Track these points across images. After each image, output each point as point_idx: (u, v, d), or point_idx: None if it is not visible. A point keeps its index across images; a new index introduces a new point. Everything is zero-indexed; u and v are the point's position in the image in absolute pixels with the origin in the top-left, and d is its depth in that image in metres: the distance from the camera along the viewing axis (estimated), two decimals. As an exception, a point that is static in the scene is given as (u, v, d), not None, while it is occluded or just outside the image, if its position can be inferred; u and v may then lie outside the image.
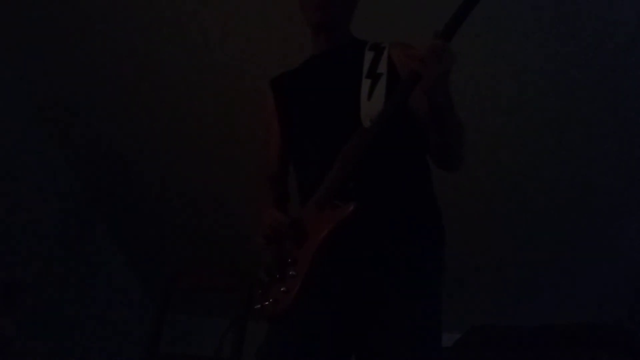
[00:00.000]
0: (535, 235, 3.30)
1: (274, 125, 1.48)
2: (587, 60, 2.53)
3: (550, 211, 3.17)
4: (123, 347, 3.60)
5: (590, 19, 2.37)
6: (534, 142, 2.89)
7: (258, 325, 1.45)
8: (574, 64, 2.56)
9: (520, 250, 3.38)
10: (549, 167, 2.98)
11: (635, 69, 2.54)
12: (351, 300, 1.21)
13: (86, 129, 3.11)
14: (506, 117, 2.79)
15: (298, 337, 1.19)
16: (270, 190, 1.49)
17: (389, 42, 1.38)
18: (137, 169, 3.30)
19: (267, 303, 1.16)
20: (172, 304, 2.49)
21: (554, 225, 3.24)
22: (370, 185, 1.22)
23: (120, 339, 3.63)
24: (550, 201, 3.13)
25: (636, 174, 2.94)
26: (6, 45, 2.70)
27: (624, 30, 2.40)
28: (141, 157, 3.23)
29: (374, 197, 1.21)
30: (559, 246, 3.33)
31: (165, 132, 3.07)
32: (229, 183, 3.24)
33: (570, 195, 3.08)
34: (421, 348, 1.15)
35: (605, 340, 2.08)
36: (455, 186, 2.70)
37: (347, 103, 1.27)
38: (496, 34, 2.43)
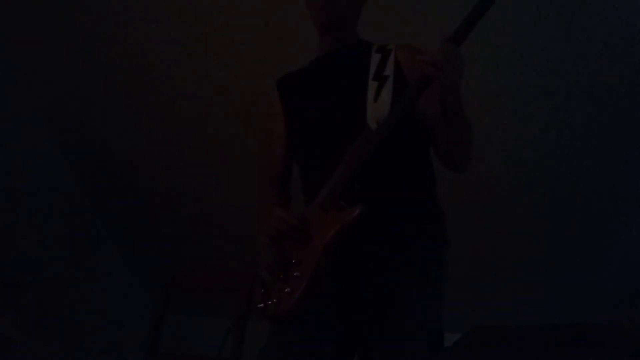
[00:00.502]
0: (536, 236, 3.30)
1: (278, 125, 1.47)
2: (584, 57, 2.54)
3: (550, 212, 3.17)
4: (123, 347, 3.60)
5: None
6: (534, 143, 2.90)
7: (258, 325, 1.46)
8: (571, 61, 2.56)
9: (521, 250, 3.38)
10: (549, 168, 2.98)
11: (633, 69, 2.54)
12: (353, 300, 1.21)
13: (87, 130, 3.11)
14: (506, 118, 2.79)
15: (300, 338, 1.19)
16: (272, 191, 1.49)
17: (394, 43, 1.38)
18: (137, 169, 3.30)
19: (269, 302, 1.16)
20: (172, 304, 2.49)
21: (554, 226, 3.24)
22: (375, 187, 1.22)
23: (120, 339, 3.63)
24: (551, 202, 3.13)
25: (636, 174, 2.94)
26: (9, 46, 2.70)
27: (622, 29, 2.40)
28: (141, 158, 3.23)
29: (379, 199, 1.21)
30: (558, 246, 3.33)
31: (165, 132, 3.07)
32: (229, 183, 3.24)
33: (571, 196, 3.08)
34: (423, 349, 1.15)
35: (604, 340, 2.08)
36: (455, 187, 2.70)
37: (353, 104, 1.27)
38: (496, 29, 2.43)
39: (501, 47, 2.51)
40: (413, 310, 1.17)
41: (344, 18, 1.42)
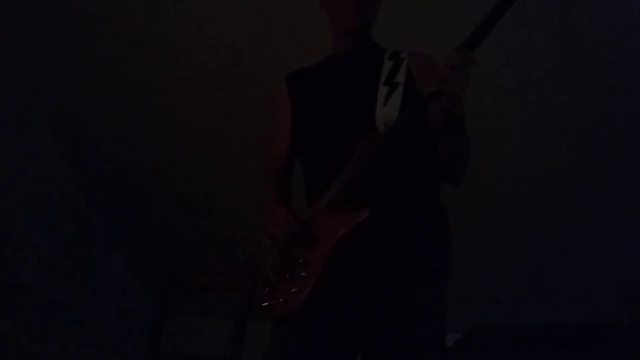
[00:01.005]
0: (536, 236, 3.30)
1: (283, 121, 1.46)
2: (583, 61, 2.54)
3: (550, 212, 3.18)
4: (123, 347, 3.60)
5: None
6: (534, 144, 2.90)
7: (258, 326, 1.45)
8: (572, 64, 2.57)
9: (521, 250, 3.38)
10: (550, 170, 2.99)
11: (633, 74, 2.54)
12: (356, 300, 1.21)
13: (87, 130, 3.11)
14: (505, 120, 2.79)
15: (304, 338, 1.19)
16: (274, 188, 1.46)
17: (408, 51, 1.39)
18: (137, 170, 3.30)
19: (275, 302, 1.16)
20: (172, 304, 2.49)
21: (554, 226, 3.24)
22: (382, 189, 1.22)
23: (120, 339, 3.63)
24: (551, 203, 3.13)
25: (635, 177, 2.95)
26: (9, 46, 2.70)
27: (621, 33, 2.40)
28: (141, 158, 3.23)
29: (386, 201, 1.21)
30: (559, 247, 3.33)
31: (164, 133, 3.07)
32: (229, 184, 3.24)
33: (571, 197, 3.08)
34: (426, 349, 1.15)
35: (605, 340, 2.09)
36: (456, 188, 2.70)
37: (363, 106, 1.28)
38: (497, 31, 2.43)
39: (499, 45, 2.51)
40: (416, 311, 1.18)
41: (370, 23, 1.44)
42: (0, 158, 2.75)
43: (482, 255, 3.37)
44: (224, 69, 2.73)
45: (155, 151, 3.18)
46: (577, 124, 2.78)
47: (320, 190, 1.23)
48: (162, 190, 3.40)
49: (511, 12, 1.15)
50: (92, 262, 3.49)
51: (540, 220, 3.22)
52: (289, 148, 1.45)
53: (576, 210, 3.14)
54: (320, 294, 1.14)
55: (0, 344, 2.46)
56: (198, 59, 2.71)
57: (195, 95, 2.87)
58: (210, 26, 2.57)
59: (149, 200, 3.47)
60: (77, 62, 2.77)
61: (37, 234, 2.99)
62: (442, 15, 2.39)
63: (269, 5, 2.45)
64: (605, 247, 3.33)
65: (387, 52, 1.40)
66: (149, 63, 2.74)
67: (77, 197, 3.36)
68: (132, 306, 3.87)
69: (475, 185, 2.91)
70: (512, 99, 2.72)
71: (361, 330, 1.20)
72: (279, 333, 1.24)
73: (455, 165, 1.30)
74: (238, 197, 3.26)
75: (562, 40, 2.49)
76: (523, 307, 3.57)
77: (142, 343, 2.93)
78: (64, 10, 2.53)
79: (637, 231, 3.22)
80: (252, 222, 2.04)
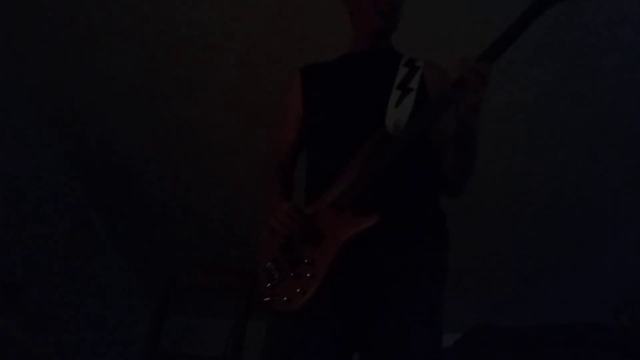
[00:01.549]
0: (535, 237, 3.30)
1: (292, 112, 1.46)
2: (583, 74, 2.55)
3: (549, 213, 3.18)
4: (123, 347, 3.60)
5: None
6: (534, 146, 2.90)
7: (258, 326, 1.45)
8: (570, 76, 2.57)
9: (520, 251, 3.38)
10: (549, 172, 2.99)
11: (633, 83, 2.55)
12: (354, 300, 1.21)
13: (87, 130, 3.11)
14: (505, 123, 2.79)
15: (301, 336, 1.18)
16: (277, 178, 1.43)
17: (424, 60, 1.39)
18: (137, 170, 3.30)
19: (277, 298, 1.16)
20: (172, 304, 2.49)
21: (554, 227, 3.24)
22: (388, 192, 1.22)
23: (120, 339, 3.63)
24: (550, 204, 3.13)
25: (634, 181, 2.95)
26: (10, 47, 2.70)
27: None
28: (141, 158, 3.23)
29: (390, 204, 1.21)
30: (558, 247, 3.33)
31: (164, 133, 3.07)
32: (228, 183, 3.24)
33: (570, 197, 3.08)
34: (423, 349, 1.15)
35: (605, 340, 2.08)
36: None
37: (374, 106, 1.29)
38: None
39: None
40: (413, 310, 1.17)
41: (395, 25, 1.45)
42: (0, 157, 2.75)
43: (482, 255, 3.37)
44: (224, 69, 2.72)
45: (155, 151, 3.18)
46: (575, 127, 2.78)
47: (323, 185, 1.23)
48: (162, 189, 3.40)
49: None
50: (91, 262, 3.49)
51: (541, 221, 3.22)
52: (295, 139, 1.45)
53: (576, 211, 3.14)
54: (323, 295, 1.14)
55: (0, 344, 2.46)
56: (198, 59, 2.71)
57: (195, 95, 2.87)
58: (212, 26, 2.56)
59: (149, 200, 3.47)
60: (78, 62, 2.77)
61: (37, 234, 2.99)
62: (452, 22, 2.39)
63: (269, 5, 2.45)
64: (605, 247, 3.33)
65: (403, 59, 1.41)
66: (150, 63, 2.74)
67: (77, 197, 3.36)
68: (131, 306, 3.87)
69: (476, 186, 2.92)
70: (511, 103, 2.72)
71: (359, 329, 1.20)
72: (276, 330, 1.23)
73: (457, 180, 1.30)
74: (238, 197, 3.27)
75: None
76: (523, 307, 3.57)
77: (141, 343, 2.93)
78: (64, 10, 2.53)
79: (637, 231, 3.22)
80: (252, 222, 2.04)
